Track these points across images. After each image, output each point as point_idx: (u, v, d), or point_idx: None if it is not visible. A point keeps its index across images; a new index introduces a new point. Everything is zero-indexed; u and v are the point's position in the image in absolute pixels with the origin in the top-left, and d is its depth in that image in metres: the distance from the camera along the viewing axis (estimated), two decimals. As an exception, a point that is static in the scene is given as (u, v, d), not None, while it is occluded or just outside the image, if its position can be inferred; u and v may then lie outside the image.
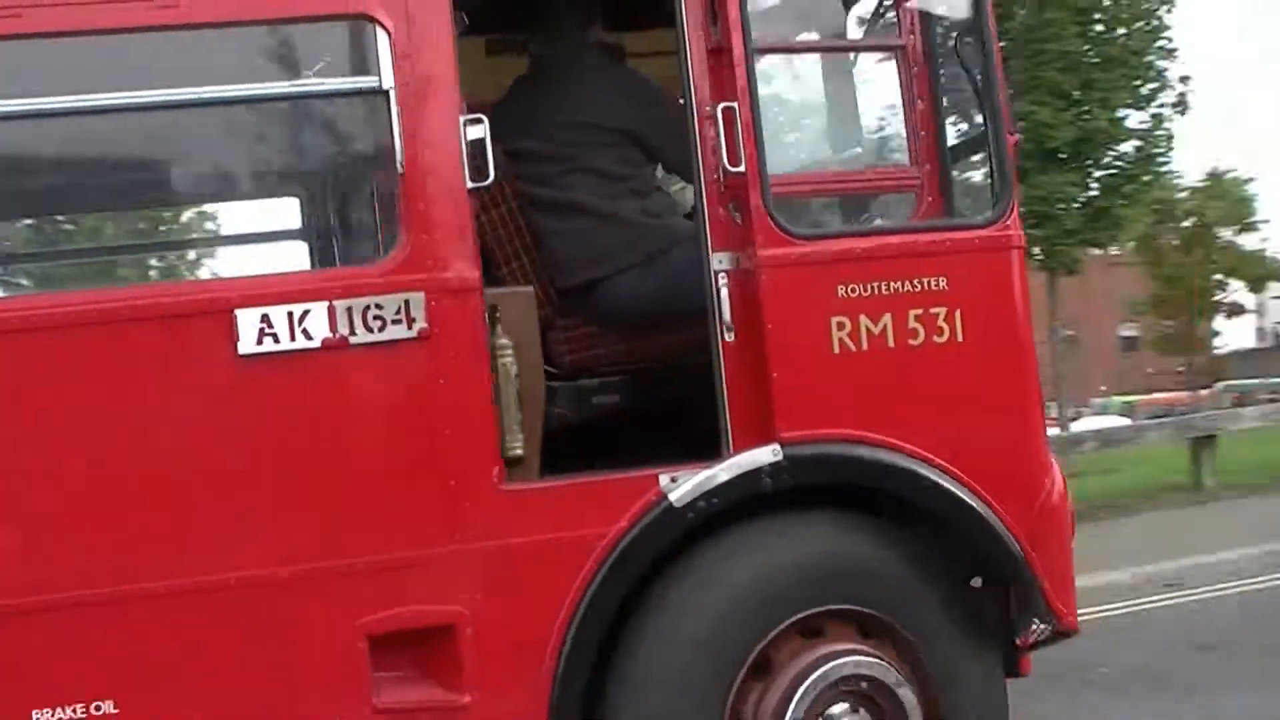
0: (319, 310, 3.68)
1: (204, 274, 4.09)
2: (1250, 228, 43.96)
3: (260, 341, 3.65)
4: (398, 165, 3.74)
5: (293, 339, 3.66)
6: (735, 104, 3.92)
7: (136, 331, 3.66)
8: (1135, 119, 25.51)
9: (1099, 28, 25.22)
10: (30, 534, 3.57)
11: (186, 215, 5.76)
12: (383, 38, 3.73)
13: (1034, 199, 23.43)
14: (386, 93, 3.73)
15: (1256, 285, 46.97)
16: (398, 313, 3.71)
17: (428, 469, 3.76)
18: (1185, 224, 41.98)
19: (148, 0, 3.61)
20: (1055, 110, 23.79)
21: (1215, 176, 42.77)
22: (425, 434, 3.77)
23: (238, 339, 3.64)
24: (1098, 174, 25.43)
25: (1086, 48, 24.68)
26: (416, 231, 3.75)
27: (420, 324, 3.72)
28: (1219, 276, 44.60)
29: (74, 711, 3.53)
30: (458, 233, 3.78)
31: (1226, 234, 43.56)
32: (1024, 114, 22.82)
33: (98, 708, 3.55)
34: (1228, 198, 42.46)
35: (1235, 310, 48.01)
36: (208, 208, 4.56)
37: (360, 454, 3.76)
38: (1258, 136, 78.32)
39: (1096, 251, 31.02)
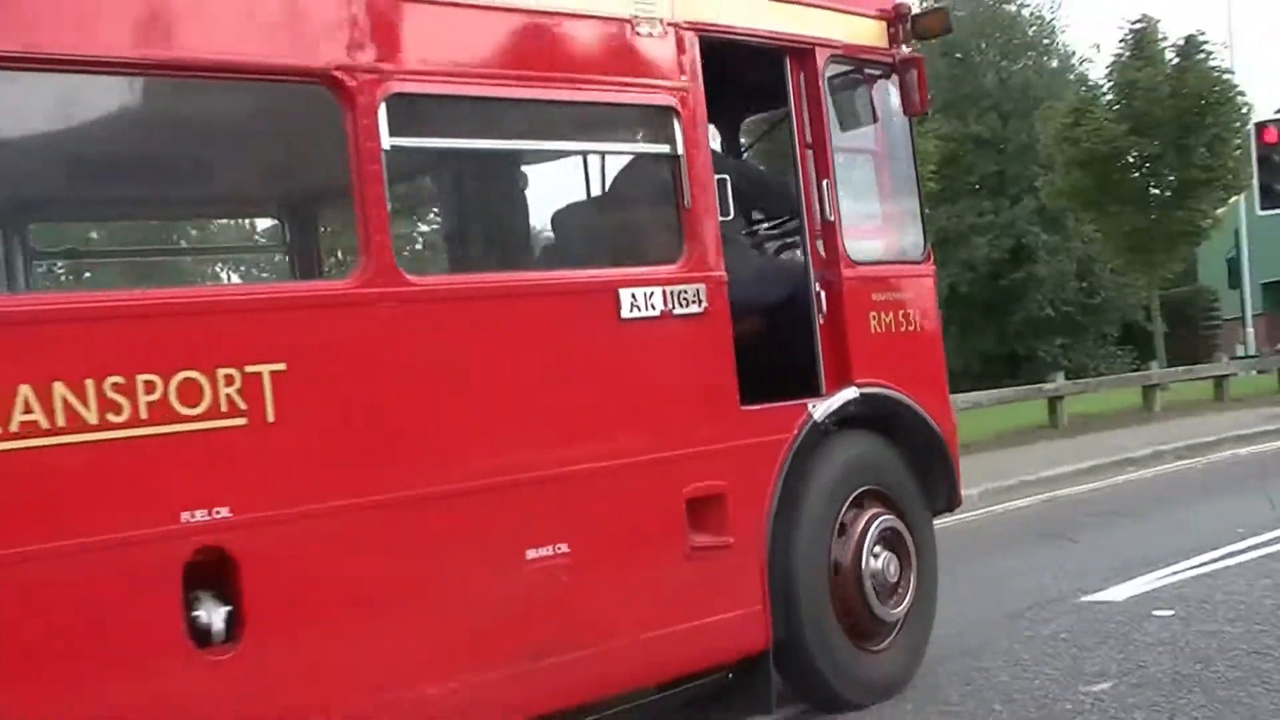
0: (658, 293, 5.80)
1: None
2: None
3: (631, 310, 5.71)
4: (685, 203, 5.95)
5: (646, 309, 5.76)
6: (827, 181, 6.52)
7: (563, 300, 5.59)
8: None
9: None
10: (495, 436, 5.36)
11: (579, 231, 7.02)
12: (676, 122, 5.94)
13: None
14: (678, 156, 5.94)
15: None
16: (694, 296, 5.91)
17: (710, 394, 5.97)
18: None
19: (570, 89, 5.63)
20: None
21: None
22: (709, 373, 5.98)
23: (619, 308, 5.68)
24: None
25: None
26: (694, 244, 5.97)
27: (705, 304, 5.94)
28: None
29: (552, 550, 5.37)
30: (715, 247, 6.04)
31: None
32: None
33: (560, 549, 5.41)
34: None
35: None
36: (587, 230, 5.91)
37: (676, 383, 5.90)
38: None
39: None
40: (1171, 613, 7.80)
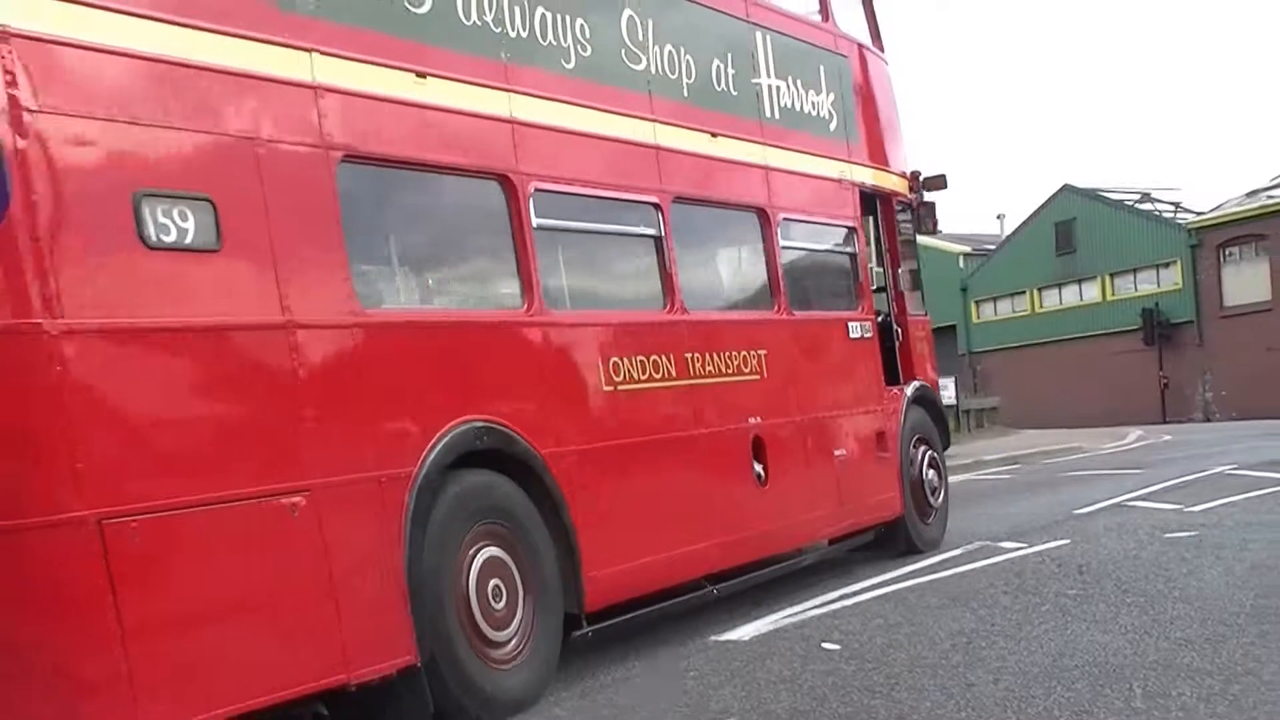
0: (857, 324, 11.11)
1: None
2: None
3: (853, 334, 11.00)
4: (858, 278, 11.30)
5: (856, 335, 11.06)
6: (899, 269, 12.02)
7: (826, 325, 10.81)
8: None
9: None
10: (822, 393, 10.47)
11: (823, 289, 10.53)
12: (855, 237, 11.29)
13: None
14: (856, 255, 11.29)
15: None
16: (868, 329, 11.24)
17: (878, 380, 11.29)
18: None
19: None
20: None
21: None
22: (872, 370, 11.29)
23: (848, 332, 10.95)
24: None
25: None
26: (864, 300, 11.31)
27: (871, 332, 11.28)
28: None
29: (844, 451, 10.55)
30: (870, 301, 11.40)
31: None
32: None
33: (842, 452, 10.59)
34: None
35: None
36: (823, 289, 10.70)
37: (868, 373, 11.19)
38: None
39: None
40: (793, 650, 8.01)
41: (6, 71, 5.19)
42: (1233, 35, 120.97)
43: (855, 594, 9.75)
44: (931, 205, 12.53)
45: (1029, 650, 7.41)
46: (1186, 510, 13.37)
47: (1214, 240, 48.17)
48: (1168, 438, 31.51)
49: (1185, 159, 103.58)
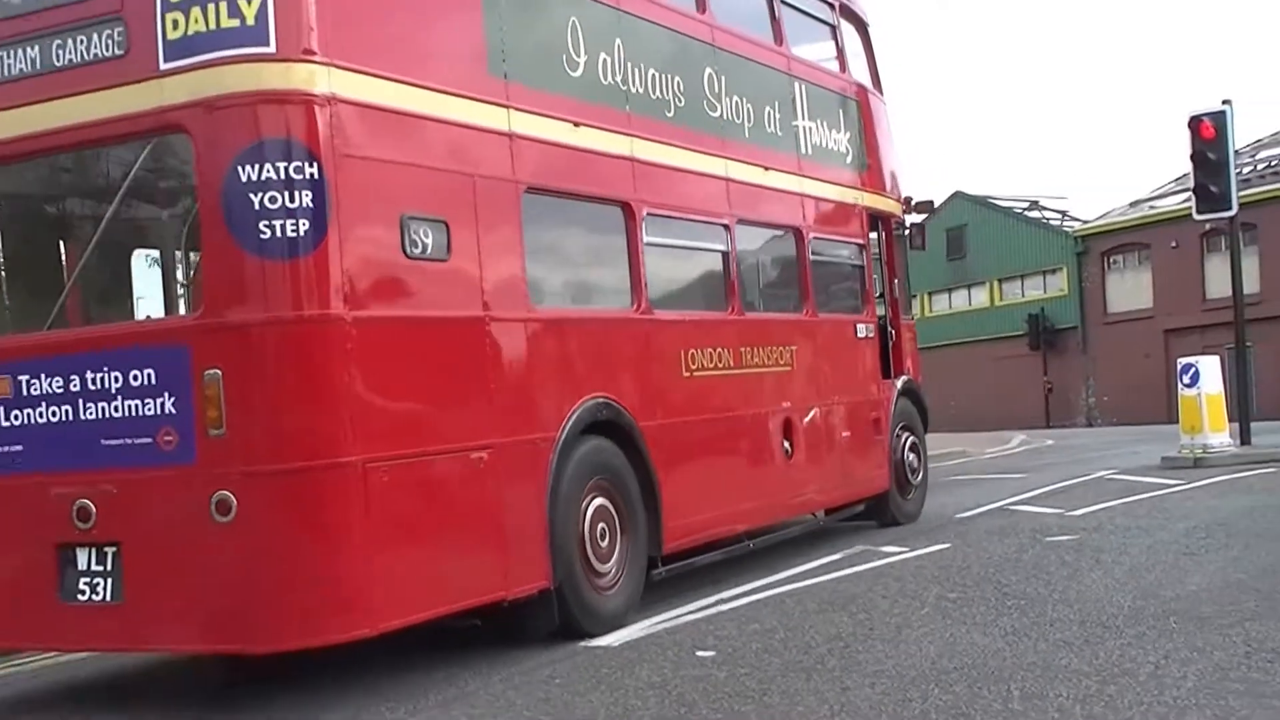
0: (862, 326, 13.22)
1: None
2: None
3: (860, 334, 13.11)
4: (864, 286, 13.41)
5: (862, 335, 13.17)
6: (896, 280, 14.15)
7: (840, 326, 12.91)
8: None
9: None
10: (832, 384, 12.58)
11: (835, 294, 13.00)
12: (863, 252, 13.39)
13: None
14: (863, 268, 13.41)
15: None
16: (871, 329, 13.35)
17: (878, 373, 13.42)
18: None
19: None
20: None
21: None
22: (873, 365, 13.41)
23: (856, 332, 13.06)
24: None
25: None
26: (868, 305, 13.42)
27: (873, 333, 13.40)
28: None
29: (848, 433, 12.67)
30: (873, 306, 13.51)
31: None
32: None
33: (845, 434, 12.70)
34: None
35: None
36: (837, 293, 12.90)
37: (871, 367, 13.30)
38: None
39: None
40: (664, 656, 7.93)
41: (333, 127, 7.09)
42: (1121, 51, 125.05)
43: (732, 599, 9.72)
44: (922, 225, 14.67)
45: (907, 653, 7.37)
46: (1067, 514, 13.65)
47: (1099, 248, 49.92)
48: (1050, 442, 31.96)
49: (1072, 169, 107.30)
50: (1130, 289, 48.61)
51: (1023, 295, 53.02)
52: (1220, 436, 19.85)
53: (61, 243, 8.64)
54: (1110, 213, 51.75)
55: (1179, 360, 21.14)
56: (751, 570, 10.76)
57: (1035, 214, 54.19)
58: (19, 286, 8.52)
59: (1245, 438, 20.42)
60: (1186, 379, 20.14)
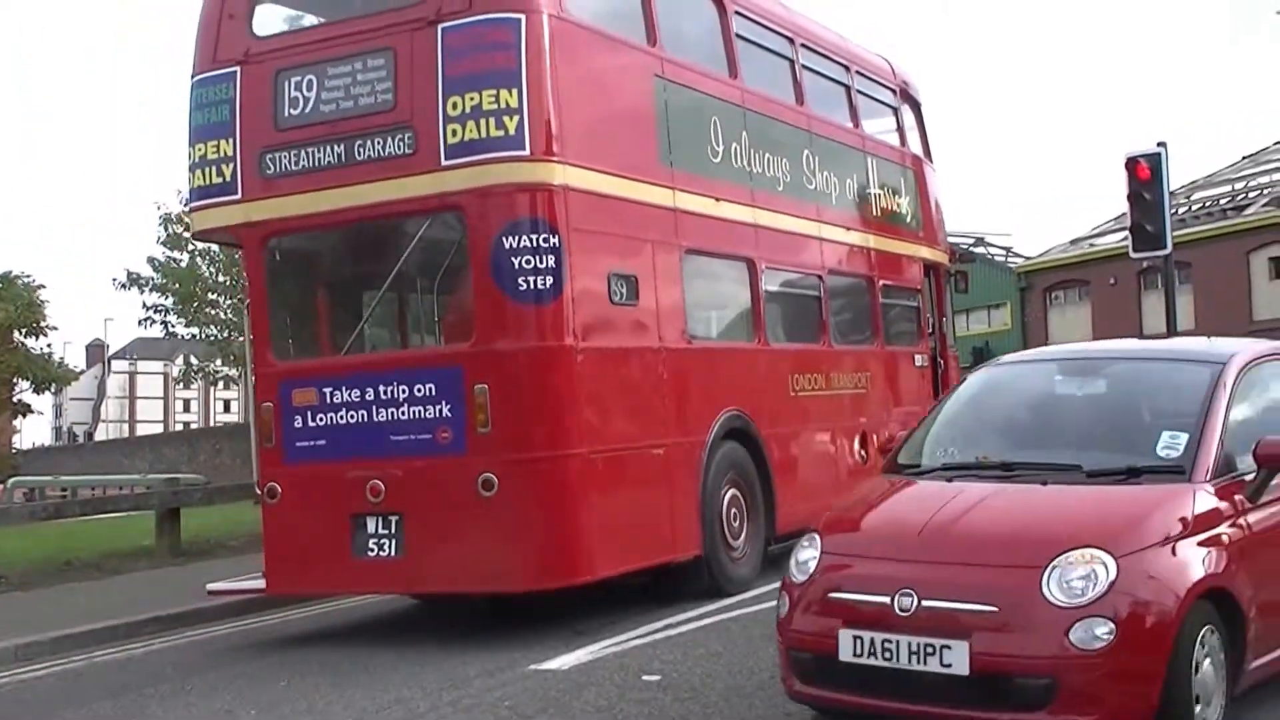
0: (919, 356, 15.90)
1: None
2: (39, 331, 45.19)
3: (917, 363, 15.79)
4: (920, 324, 16.09)
5: (919, 364, 15.85)
6: (945, 318, 16.84)
7: (902, 357, 15.60)
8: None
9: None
10: (883, 406, 15.25)
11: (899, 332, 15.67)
12: (919, 297, 16.09)
13: None
14: (919, 309, 16.10)
15: (41, 387, 48.13)
16: (925, 360, 16.02)
17: (925, 396, 16.02)
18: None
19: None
20: None
21: (7, 280, 43.94)
22: (927, 389, 16.03)
23: (914, 362, 15.75)
24: None
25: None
26: (923, 339, 16.09)
27: (927, 362, 16.07)
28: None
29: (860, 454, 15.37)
30: (928, 339, 16.18)
31: (17, 335, 44.90)
32: None
33: (862, 458, 15.41)
34: (19, 301, 43.50)
35: (24, 409, 49.76)
36: (899, 331, 15.27)
37: (925, 389, 15.95)
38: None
39: None
40: (611, 680, 8.01)
41: (567, 208, 9.80)
42: (1064, 93, 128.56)
43: (679, 624, 9.94)
44: (965, 273, 17.35)
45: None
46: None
47: (1041, 284, 51.68)
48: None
49: (1016, 207, 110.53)
50: (1071, 324, 49.44)
51: (968, 329, 54.54)
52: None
53: (356, 289, 11.39)
54: (1052, 250, 53.30)
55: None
56: (700, 597, 10.90)
57: (980, 250, 55.82)
58: (323, 322, 11.24)
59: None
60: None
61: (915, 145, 16.76)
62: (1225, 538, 6.16)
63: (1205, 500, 6.21)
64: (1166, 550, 5.87)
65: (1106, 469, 6.49)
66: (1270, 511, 6.56)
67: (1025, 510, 6.35)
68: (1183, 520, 6.02)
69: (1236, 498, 6.37)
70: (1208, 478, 6.30)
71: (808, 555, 6.48)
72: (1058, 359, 8.29)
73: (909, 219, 16.06)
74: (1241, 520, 6.33)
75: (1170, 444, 6.49)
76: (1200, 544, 6.01)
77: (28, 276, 44.46)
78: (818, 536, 6.57)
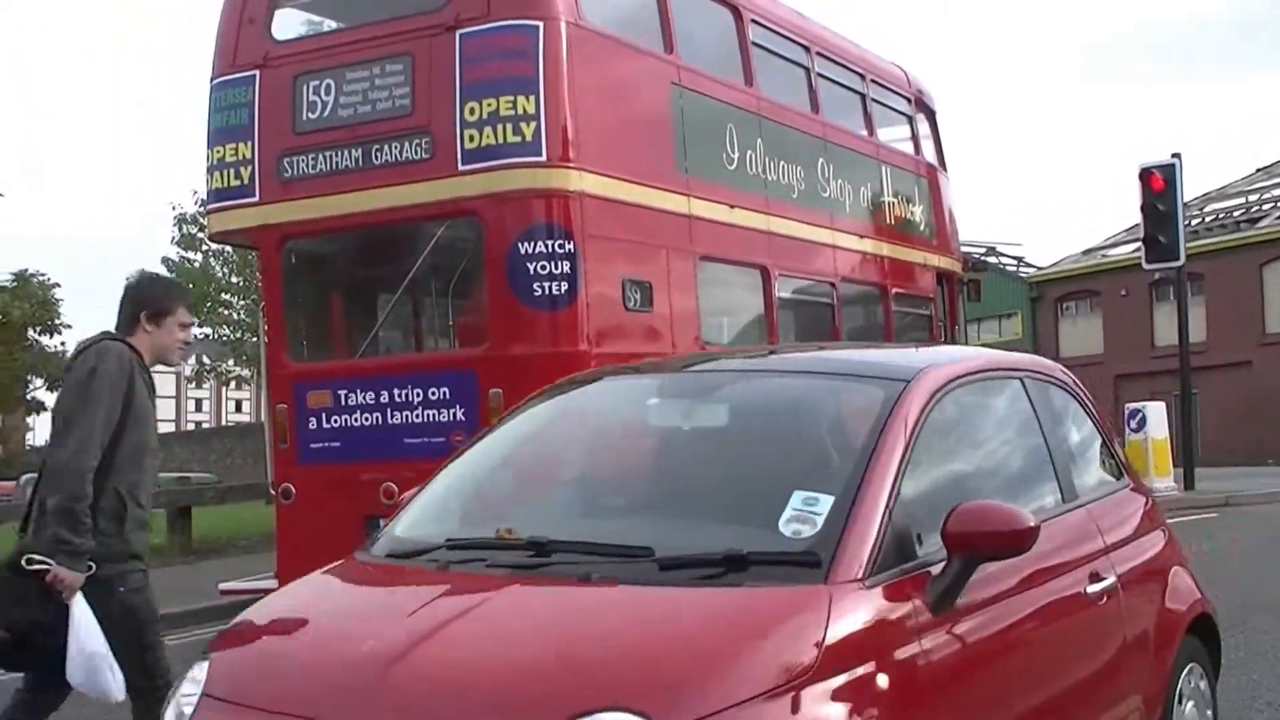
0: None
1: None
2: (54, 329, 44.73)
3: None
4: (934, 330, 16.13)
5: None
6: (956, 326, 16.89)
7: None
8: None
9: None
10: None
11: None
12: (932, 305, 16.14)
13: None
14: (931, 315, 16.14)
15: (55, 385, 44.77)
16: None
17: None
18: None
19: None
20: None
21: (22, 278, 43.60)
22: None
23: None
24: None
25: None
26: (936, 343, 16.14)
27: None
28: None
29: None
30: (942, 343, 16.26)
31: (31, 333, 44.60)
32: None
33: None
34: (34, 298, 43.24)
35: (38, 407, 49.14)
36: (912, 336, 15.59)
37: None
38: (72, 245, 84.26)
39: None
40: None
41: (583, 214, 9.86)
42: (1078, 103, 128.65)
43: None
44: (978, 281, 17.39)
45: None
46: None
47: (1052, 294, 51.30)
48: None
49: (1028, 217, 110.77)
50: (1082, 335, 49.32)
51: (979, 338, 55.04)
52: (1165, 481, 19.99)
53: (371, 292, 11.47)
54: (1064, 260, 52.99)
55: (1127, 405, 21.70)
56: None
57: (992, 259, 56.04)
58: (338, 325, 11.32)
59: (1189, 483, 20.92)
60: (1134, 424, 20.42)
61: (929, 154, 16.82)
62: (884, 680, 3.59)
63: (854, 613, 3.64)
64: (772, 712, 3.32)
65: (690, 556, 3.85)
66: (969, 627, 3.99)
67: (533, 634, 3.72)
68: (808, 653, 3.46)
69: (911, 606, 3.79)
70: (862, 573, 3.72)
71: (188, 692, 3.90)
72: (663, 373, 5.70)
73: (922, 227, 16.11)
74: (918, 645, 3.74)
75: (802, 514, 3.91)
76: (837, 695, 3.45)
77: (42, 275, 44.24)
78: (206, 662, 3.98)
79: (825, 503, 3.90)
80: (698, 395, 5.11)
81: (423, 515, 4.71)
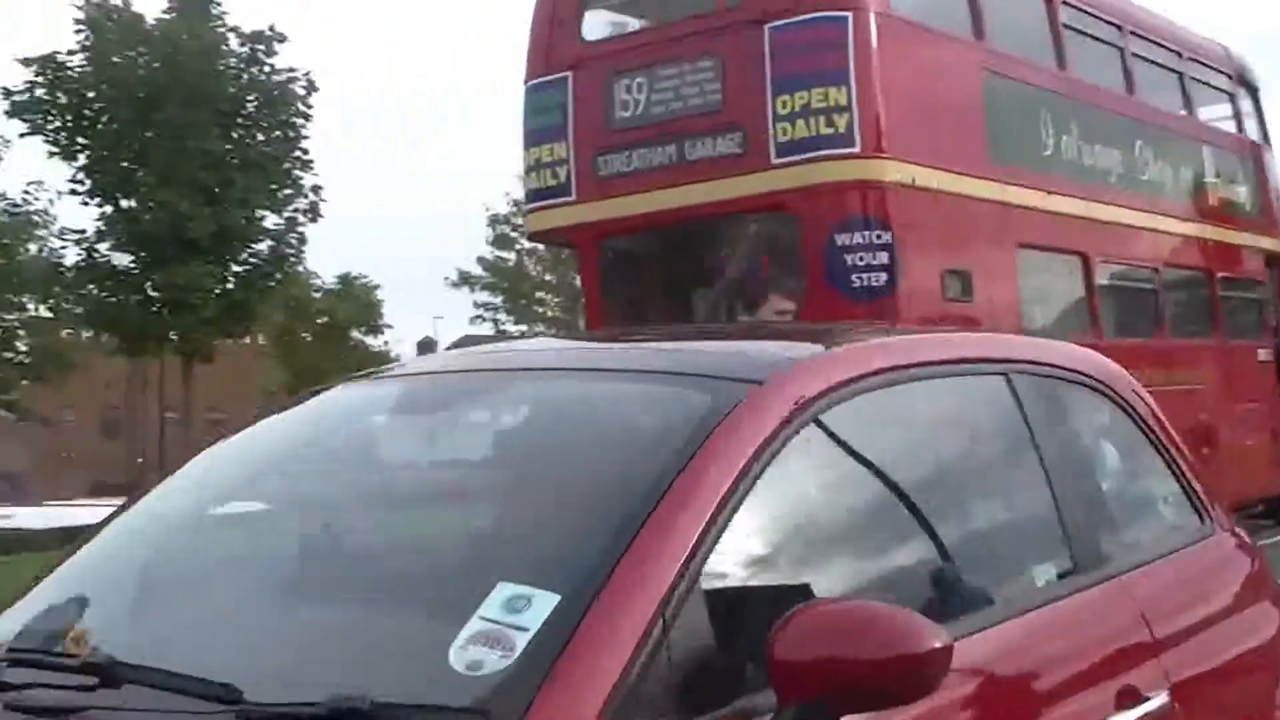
0: (1262, 350, 15.16)
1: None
2: (376, 330, 46.52)
3: (1260, 357, 15.07)
4: (1263, 317, 15.35)
5: (1262, 358, 15.12)
6: None
7: (1243, 351, 14.92)
8: (271, 220, 27.51)
9: (240, 131, 27.08)
10: (1223, 399, 14.60)
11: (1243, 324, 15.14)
12: (1260, 289, 15.35)
13: (171, 287, 25.43)
14: (1262, 301, 15.37)
15: None
16: (1269, 354, 15.25)
17: (1268, 390, 15.27)
18: (319, 321, 44.34)
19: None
20: (195, 204, 25.05)
21: (347, 281, 45.17)
22: (1270, 383, 15.31)
23: (1257, 356, 15.03)
24: (235, 268, 27.13)
25: (228, 148, 26.26)
26: (1266, 332, 15.32)
27: (1271, 356, 15.28)
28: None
29: (1201, 450, 14.67)
30: (1272, 330, 15.44)
31: (355, 334, 45.83)
32: (162, 203, 25.07)
33: (1203, 452, 14.70)
34: (357, 301, 44.67)
35: None
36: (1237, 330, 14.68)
37: (1263, 385, 15.20)
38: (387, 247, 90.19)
39: (230, 341, 32.84)
40: None
41: (898, 204, 9.75)
42: None
43: None
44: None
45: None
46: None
47: None
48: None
49: None
50: None
51: None
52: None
53: (685, 287, 11.56)
54: None
55: None
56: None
57: None
58: (652, 320, 11.45)
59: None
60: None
61: (1253, 131, 16.04)
62: None
63: None
64: None
65: (281, 711, 2.08)
66: None
67: None
68: None
69: None
70: None
71: None
72: (408, 376, 3.60)
73: (1249, 208, 15.39)
74: None
75: (498, 628, 2.13)
76: None
77: (364, 277, 45.80)
78: None
79: (542, 606, 2.14)
80: (446, 409, 3.25)
81: (42, 594, 2.83)
